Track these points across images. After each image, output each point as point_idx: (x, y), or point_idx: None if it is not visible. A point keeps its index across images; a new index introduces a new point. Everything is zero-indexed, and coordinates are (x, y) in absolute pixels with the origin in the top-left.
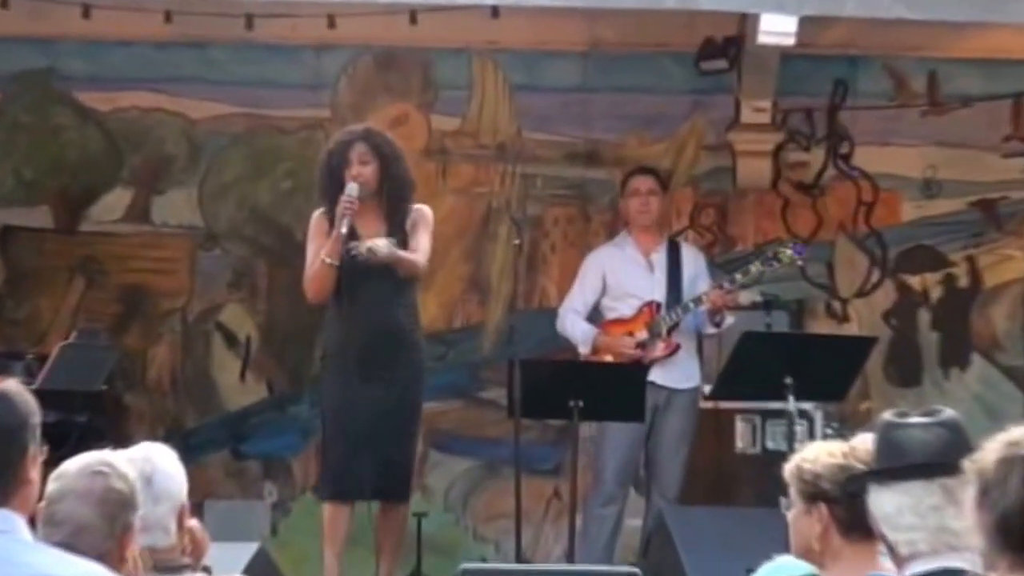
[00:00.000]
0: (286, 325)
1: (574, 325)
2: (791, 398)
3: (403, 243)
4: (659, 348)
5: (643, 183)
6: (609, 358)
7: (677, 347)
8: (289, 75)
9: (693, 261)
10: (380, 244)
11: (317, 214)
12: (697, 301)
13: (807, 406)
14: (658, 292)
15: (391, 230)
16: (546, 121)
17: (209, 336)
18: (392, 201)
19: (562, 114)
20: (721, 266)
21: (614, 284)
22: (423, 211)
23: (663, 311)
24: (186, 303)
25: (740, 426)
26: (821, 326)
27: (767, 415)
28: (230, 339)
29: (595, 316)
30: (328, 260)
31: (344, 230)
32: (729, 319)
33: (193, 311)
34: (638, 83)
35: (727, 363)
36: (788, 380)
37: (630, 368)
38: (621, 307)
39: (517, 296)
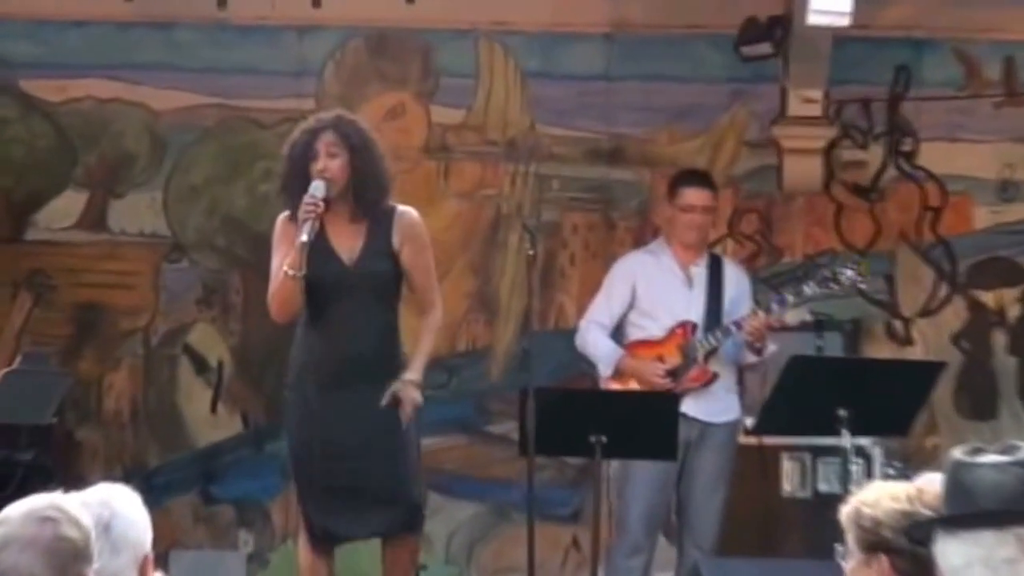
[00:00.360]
0: (264, 348)
1: (597, 341)
2: (846, 433)
3: (387, 258)
4: (693, 376)
5: (700, 198)
6: (634, 384)
7: (714, 376)
8: (268, 61)
9: (736, 281)
10: (408, 389)
11: (282, 218)
12: (738, 325)
13: (864, 442)
14: (695, 311)
15: (369, 241)
16: (564, 114)
17: (175, 361)
18: (362, 202)
19: (582, 106)
20: (765, 281)
21: (645, 297)
22: (411, 219)
23: (699, 333)
24: (149, 323)
25: (787, 465)
26: (880, 350)
27: (818, 452)
28: (199, 364)
29: (617, 335)
30: (291, 272)
31: (305, 238)
32: (772, 347)
33: (157, 332)
34: (669, 70)
35: (772, 392)
36: (843, 412)
37: (661, 398)
38: (650, 325)
39: (531, 315)
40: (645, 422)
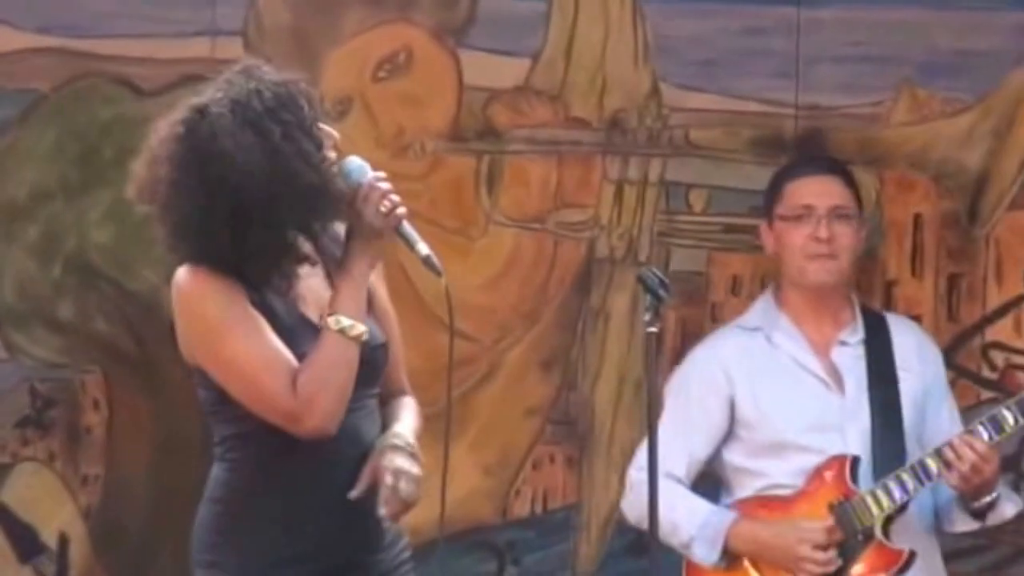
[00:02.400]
0: (148, 512)
1: (676, 504)
2: None
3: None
4: (870, 562)
5: (819, 187)
6: None
7: (909, 558)
8: None
9: (920, 356)
10: (396, 458)
11: (200, 272)
12: (945, 461)
13: None
14: (854, 436)
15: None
16: (715, 70)
17: None
18: (285, 219)
19: (749, 54)
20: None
21: (754, 416)
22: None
23: (866, 478)
24: None
25: None
26: None
27: None
28: (24, 540)
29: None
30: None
31: (426, 249)
32: (1010, 506)
33: None
34: None
35: None
36: None
37: None
38: (770, 468)
39: (653, 447)
40: None
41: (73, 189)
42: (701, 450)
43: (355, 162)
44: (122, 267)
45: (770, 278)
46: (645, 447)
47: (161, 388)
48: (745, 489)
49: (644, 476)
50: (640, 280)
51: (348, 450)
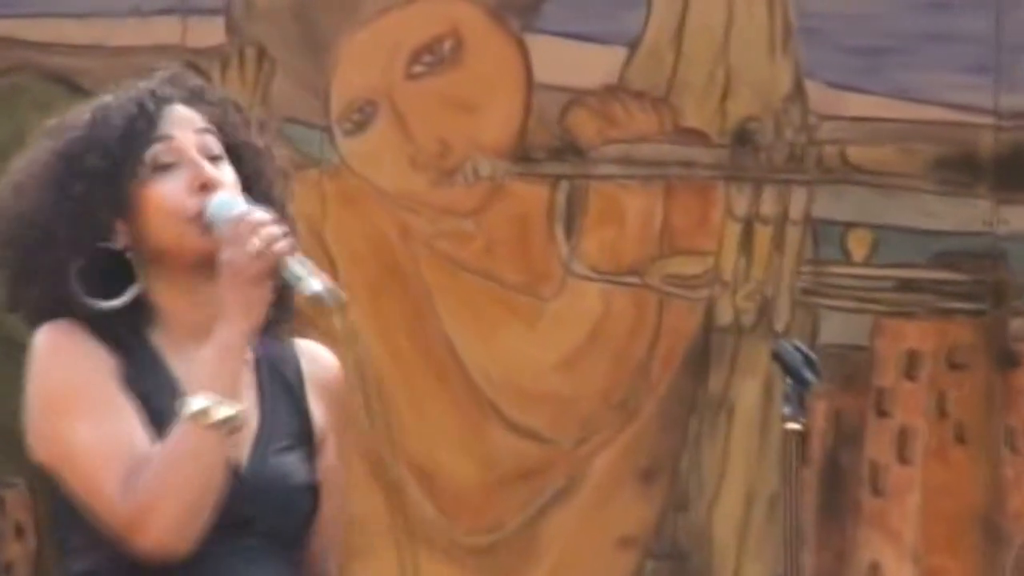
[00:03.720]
0: None
1: None
2: None
3: (303, 451)
4: None
5: None
6: None
7: None
8: None
9: None
10: None
11: (61, 328)
12: None
13: None
14: None
15: (269, 410)
16: (881, 62)
17: None
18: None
19: (925, 38)
20: None
21: None
22: (333, 374)
23: None
24: None
25: None
26: None
27: None
28: None
29: None
30: (218, 414)
31: (319, 286)
32: None
33: None
34: None
35: None
36: None
37: None
38: None
39: None
40: None
41: None
42: None
43: (217, 200)
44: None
45: (962, 354)
46: None
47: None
48: None
49: None
50: (777, 357)
51: None
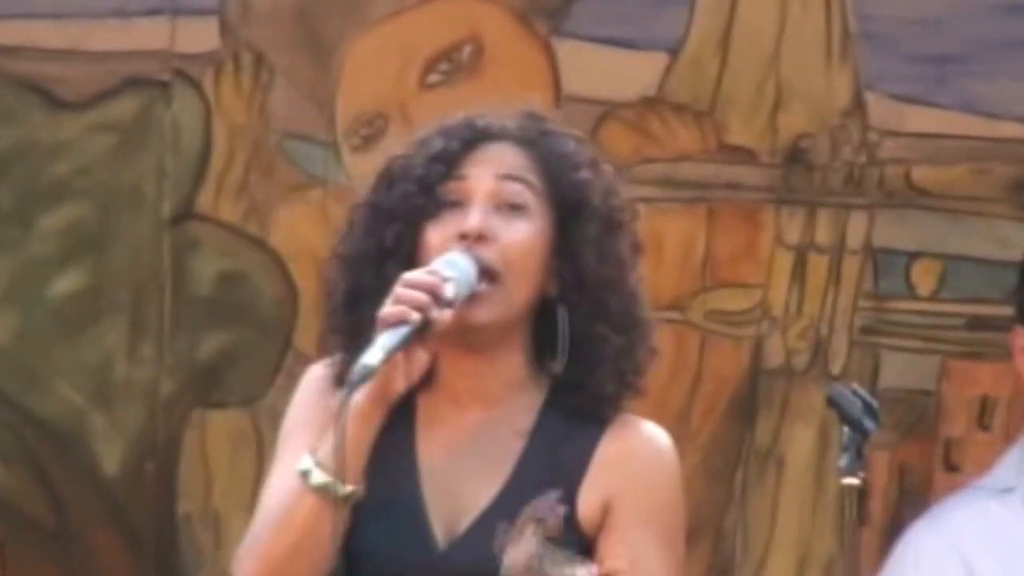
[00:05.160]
0: None
1: None
2: None
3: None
4: None
5: None
6: None
7: None
8: None
9: None
10: None
11: (320, 370)
12: None
13: None
14: None
15: (516, 484)
16: (952, 71)
17: None
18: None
19: (1007, 44)
20: None
21: None
22: (654, 449)
23: None
24: None
25: None
26: None
27: None
28: None
29: None
30: (320, 479)
31: (376, 360)
32: None
33: None
34: None
35: None
36: None
37: None
38: None
39: None
40: None
41: None
42: None
43: (443, 259)
44: (27, 379)
45: None
46: None
47: (86, 568)
48: None
49: None
50: (833, 403)
51: None
